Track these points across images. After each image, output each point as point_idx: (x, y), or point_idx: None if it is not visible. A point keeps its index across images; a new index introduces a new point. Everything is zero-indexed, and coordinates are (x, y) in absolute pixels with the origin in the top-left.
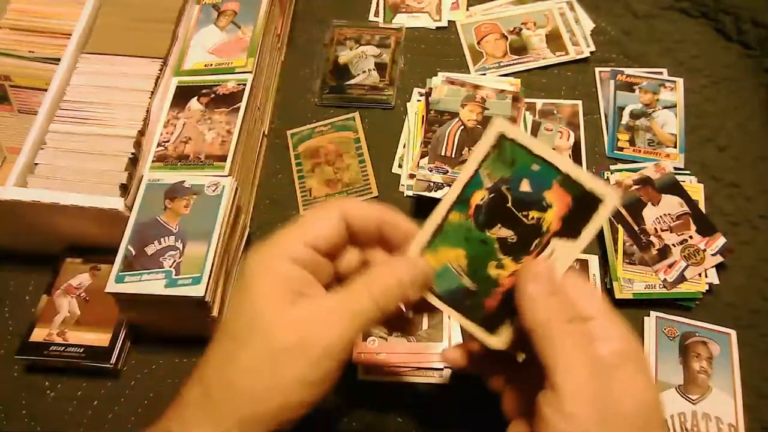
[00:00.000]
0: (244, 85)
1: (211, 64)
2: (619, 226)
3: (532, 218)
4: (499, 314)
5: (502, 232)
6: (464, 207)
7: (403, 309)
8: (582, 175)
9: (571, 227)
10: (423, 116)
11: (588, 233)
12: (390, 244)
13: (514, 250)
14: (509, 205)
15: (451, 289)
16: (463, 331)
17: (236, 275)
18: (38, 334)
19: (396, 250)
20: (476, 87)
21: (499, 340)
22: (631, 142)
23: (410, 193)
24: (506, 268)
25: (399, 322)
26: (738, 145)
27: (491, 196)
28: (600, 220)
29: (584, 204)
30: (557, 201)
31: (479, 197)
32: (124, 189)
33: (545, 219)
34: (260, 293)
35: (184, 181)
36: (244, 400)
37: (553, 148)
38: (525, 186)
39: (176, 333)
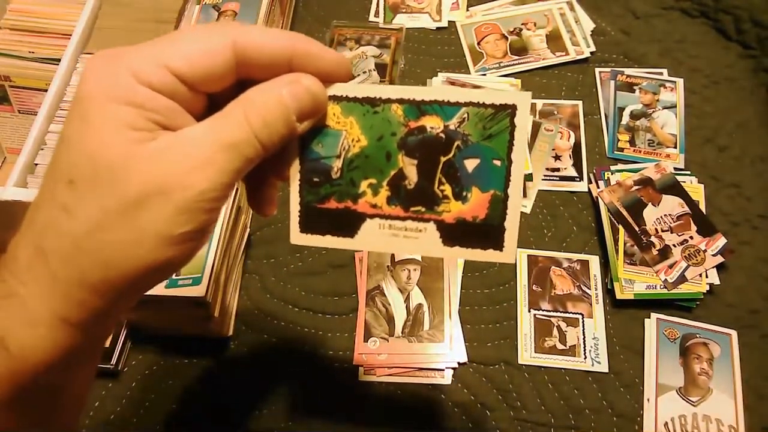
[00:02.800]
0: None
1: None
2: (620, 227)
3: (442, 191)
4: (321, 220)
5: (409, 170)
6: (413, 113)
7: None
8: (511, 224)
9: (455, 236)
10: None
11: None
12: None
13: (397, 191)
14: (441, 160)
15: (317, 157)
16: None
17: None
18: None
19: None
20: (476, 87)
21: (297, 237)
22: (632, 143)
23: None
24: (375, 196)
25: (258, 190)
26: (738, 145)
27: (441, 136)
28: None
29: (481, 233)
30: (474, 204)
31: (433, 123)
32: None
33: (449, 205)
34: (104, 121)
35: None
36: (93, 264)
37: (553, 149)
38: (471, 164)
39: (176, 333)
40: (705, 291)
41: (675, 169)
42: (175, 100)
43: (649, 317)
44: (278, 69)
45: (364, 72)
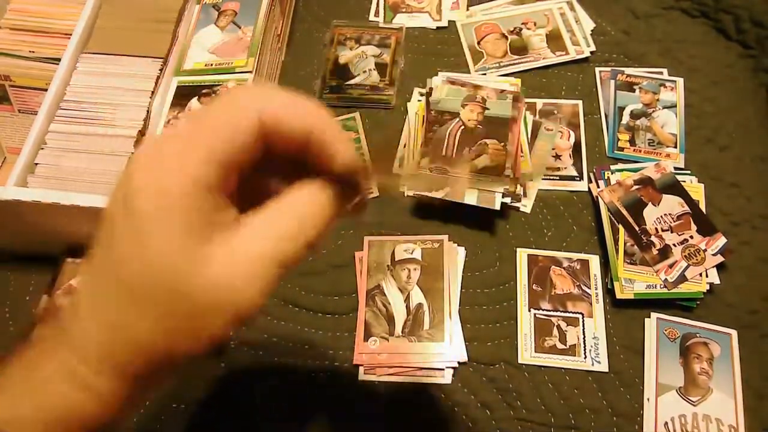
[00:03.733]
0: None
1: (212, 64)
2: (620, 227)
3: None
4: None
5: None
6: None
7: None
8: None
9: None
10: (423, 116)
11: None
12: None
13: None
14: None
15: None
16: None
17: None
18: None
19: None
20: (477, 87)
21: None
22: (632, 142)
23: (411, 193)
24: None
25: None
26: (738, 145)
27: None
28: None
29: None
30: None
31: None
32: None
33: None
34: (161, 231)
35: None
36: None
37: (553, 148)
38: None
39: None
40: (705, 291)
41: (675, 168)
42: (221, 188)
43: (649, 317)
44: (296, 145)
45: (364, 72)
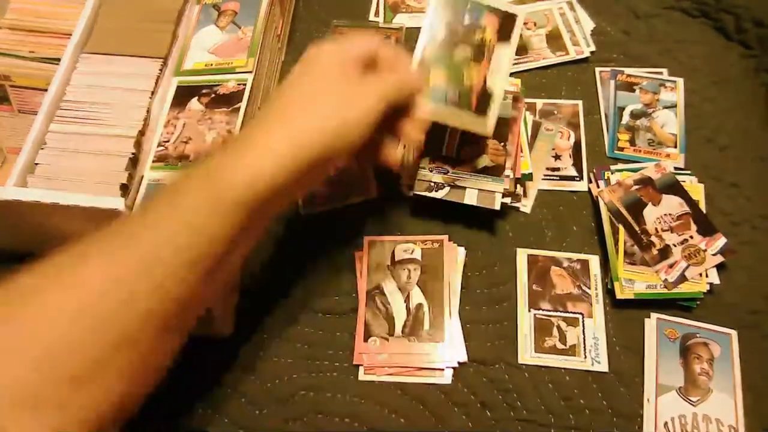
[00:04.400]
0: (245, 85)
1: (212, 64)
2: (620, 226)
3: (478, 38)
4: (479, 109)
5: (461, 51)
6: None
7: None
8: (499, 3)
9: (503, 36)
10: None
11: (514, 37)
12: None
13: (474, 61)
14: (460, 32)
15: (439, 101)
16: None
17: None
18: None
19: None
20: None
21: (485, 126)
22: (632, 142)
23: (411, 193)
24: (473, 76)
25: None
26: (738, 145)
27: (448, 29)
28: (518, 28)
29: (506, 21)
30: (489, 23)
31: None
32: (125, 189)
33: (485, 36)
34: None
35: None
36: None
37: (553, 148)
38: (467, 19)
39: None
40: (705, 291)
41: (675, 168)
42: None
43: (649, 317)
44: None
45: None
